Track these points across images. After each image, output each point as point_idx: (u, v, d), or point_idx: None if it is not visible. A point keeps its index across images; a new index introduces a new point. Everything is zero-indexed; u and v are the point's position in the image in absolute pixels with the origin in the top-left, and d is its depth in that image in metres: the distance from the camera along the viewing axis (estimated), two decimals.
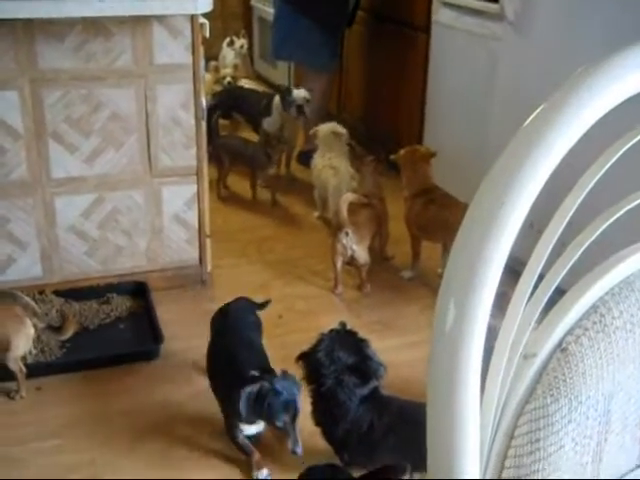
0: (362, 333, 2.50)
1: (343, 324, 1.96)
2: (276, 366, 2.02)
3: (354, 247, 2.74)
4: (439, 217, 2.78)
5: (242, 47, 5.22)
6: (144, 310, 2.63)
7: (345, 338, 1.90)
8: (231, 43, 5.25)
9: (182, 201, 2.73)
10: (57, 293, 2.62)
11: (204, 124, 2.66)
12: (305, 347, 1.89)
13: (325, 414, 1.86)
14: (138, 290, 2.71)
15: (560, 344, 0.61)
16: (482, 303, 0.55)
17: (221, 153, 3.67)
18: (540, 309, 0.62)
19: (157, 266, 2.78)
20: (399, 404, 1.84)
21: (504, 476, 0.58)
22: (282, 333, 2.56)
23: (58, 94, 2.45)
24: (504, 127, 2.94)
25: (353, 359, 1.83)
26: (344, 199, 2.72)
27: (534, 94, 2.59)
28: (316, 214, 3.52)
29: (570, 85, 0.66)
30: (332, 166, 3.30)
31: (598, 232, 0.66)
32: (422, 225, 2.89)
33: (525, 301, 0.60)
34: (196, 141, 2.65)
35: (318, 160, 3.40)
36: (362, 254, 2.79)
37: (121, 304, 2.67)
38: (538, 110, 0.66)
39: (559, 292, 0.71)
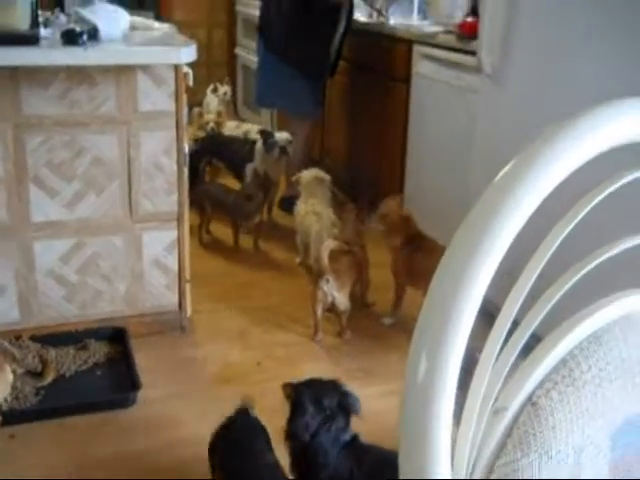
0: (342, 381, 2.51)
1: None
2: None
3: (335, 294, 2.74)
4: (426, 264, 2.79)
5: (225, 94, 5.28)
6: (122, 356, 2.60)
7: (319, 384, 1.90)
8: (215, 90, 5.32)
9: (162, 246, 2.72)
10: (34, 338, 2.59)
11: (186, 170, 2.68)
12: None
13: (307, 465, 1.83)
14: (116, 336, 2.68)
15: (530, 398, 0.61)
16: (453, 355, 0.55)
17: (203, 200, 3.67)
18: (510, 364, 0.62)
19: (136, 311, 2.76)
20: (379, 453, 1.82)
21: None
22: (261, 380, 2.54)
23: (40, 139, 2.46)
24: (483, 176, 2.99)
25: (334, 400, 1.82)
26: (325, 246, 2.73)
27: (511, 144, 2.64)
28: (297, 260, 3.52)
29: (539, 142, 0.68)
30: (315, 212, 3.32)
31: (566, 287, 0.67)
32: (409, 273, 2.91)
33: (495, 356, 0.61)
34: (177, 187, 2.66)
35: (301, 206, 3.43)
36: (343, 301, 2.79)
37: (99, 350, 2.64)
38: (508, 166, 0.68)
39: (535, 339, 0.72)
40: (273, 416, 1.88)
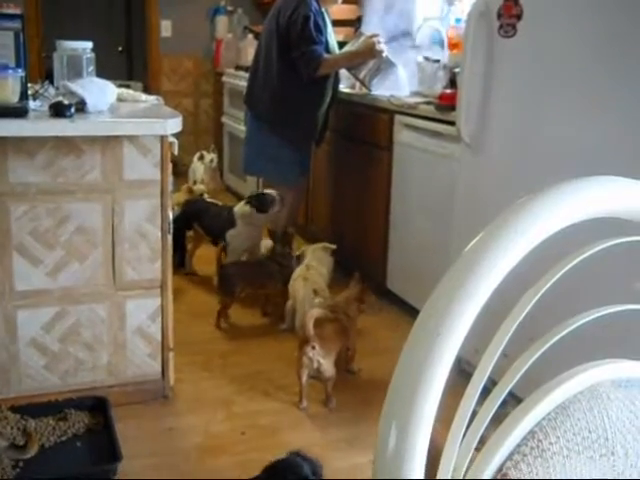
0: (327, 451, 2.49)
1: None
2: None
3: (320, 361, 2.73)
4: None
5: (212, 161, 5.37)
6: (103, 427, 2.55)
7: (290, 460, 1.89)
8: (201, 157, 5.40)
9: (146, 314, 2.72)
10: (13, 409, 2.54)
11: (170, 237, 2.70)
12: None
13: None
14: (97, 405, 2.64)
15: (500, 469, 0.62)
16: (422, 427, 0.56)
17: (235, 282, 3.52)
18: (479, 435, 0.63)
19: (118, 380, 2.73)
20: None
21: None
22: (244, 451, 2.51)
23: (25, 207, 2.48)
24: (465, 241, 3.03)
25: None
26: (310, 315, 2.73)
27: (491, 210, 2.69)
28: (283, 326, 3.51)
29: (506, 215, 0.71)
30: (304, 277, 3.33)
31: (531, 361, 0.69)
32: None
33: (465, 426, 0.61)
34: (161, 254, 2.67)
35: (296, 270, 3.44)
36: (328, 368, 2.77)
37: (79, 420, 2.59)
38: (475, 239, 0.70)
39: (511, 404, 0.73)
40: None
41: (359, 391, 2.99)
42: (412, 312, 3.54)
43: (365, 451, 2.55)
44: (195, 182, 5.13)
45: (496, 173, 2.80)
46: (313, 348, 2.70)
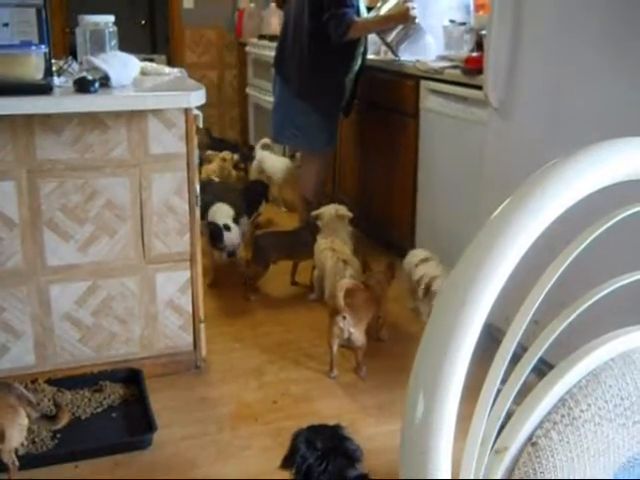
0: (359, 418, 2.51)
1: None
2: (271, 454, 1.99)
3: (351, 330, 2.74)
4: None
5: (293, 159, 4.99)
6: (137, 398, 2.60)
7: (321, 428, 1.90)
8: (267, 147, 5.06)
9: (176, 287, 2.74)
10: (49, 382, 2.60)
11: (198, 210, 2.71)
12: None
13: None
14: (132, 377, 2.69)
15: (530, 438, 0.61)
16: (450, 395, 0.56)
17: (269, 252, 3.54)
18: (510, 402, 0.62)
19: (151, 353, 2.77)
20: None
21: None
22: (276, 419, 2.53)
23: (54, 184, 2.50)
24: (494, 207, 2.99)
25: (331, 444, 1.82)
26: (341, 285, 2.74)
27: (520, 176, 2.65)
28: (312, 296, 3.52)
29: (535, 179, 0.69)
30: (332, 248, 3.32)
31: (561, 328, 0.68)
32: None
33: (494, 395, 0.61)
34: (189, 227, 2.68)
35: (321, 242, 3.43)
36: (359, 337, 2.78)
37: (114, 392, 2.64)
38: (505, 203, 0.69)
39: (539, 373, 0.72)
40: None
41: (389, 359, 2.99)
42: None
43: (396, 418, 2.56)
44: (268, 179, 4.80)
45: (525, 138, 2.75)
46: (344, 318, 2.71)
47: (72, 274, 2.60)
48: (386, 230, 3.89)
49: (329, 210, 3.52)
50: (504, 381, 0.65)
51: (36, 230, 2.52)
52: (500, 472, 0.59)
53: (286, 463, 1.82)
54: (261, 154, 5.00)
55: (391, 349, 3.08)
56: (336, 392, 2.75)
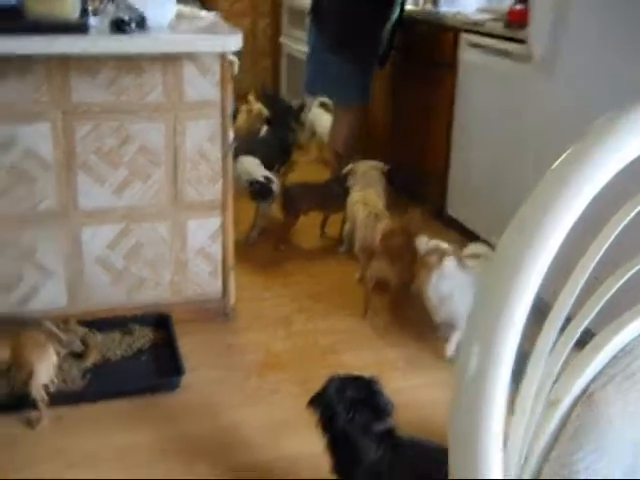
0: (385, 370, 2.51)
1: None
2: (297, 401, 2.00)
3: (386, 271, 2.78)
4: None
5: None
6: (166, 342, 2.63)
7: (354, 378, 1.89)
8: (324, 105, 4.78)
9: (207, 234, 2.74)
10: (80, 323, 2.63)
11: (230, 158, 2.69)
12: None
13: (343, 459, 1.82)
14: (161, 322, 2.72)
15: (585, 391, 0.59)
16: (507, 348, 0.54)
17: (301, 204, 3.52)
18: (566, 355, 0.61)
19: (180, 298, 2.79)
20: (420, 446, 1.81)
21: None
22: (303, 368, 2.55)
23: (89, 127, 2.49)
24: (532, 166, 2.94)
25: (362, 396, 1.81)
26: (379, 228, 2.80)
27: (563, 133, 2.60)
28: (342, 249, 3.52)
29: (596, 131, 0.66)
30: (365, 202, 3.30)
31: (620, 283, 0.65)
32: None
33: (550, 346, 0.59)
34: (222, 175, 2.67)
35: (354, 195, 3.40)
36: (393, 278, 2.83)
37: (143, 336, 2.67)
38: (565, 154, 0.66)
39: (589, 335, 0.70)
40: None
41: (419, 312, 2.97)
42: (472, 238, 3.49)
43: (424, 372, 2.57)
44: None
45: (570, 95, 2.67)
46: (380, 260, 2.73)
47: (105, 217, 2.62)
48: (417, 186, 3.85)
49: (362, 166, 3.48)
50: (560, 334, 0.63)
51: (70, 172, 2.53)
52: (553, 423, 0.58)
53: (313, 404, 1.83)
54: (314, 112, 4.85)
55: (420, 303, 3.06)
56: (363, 344, 2.76)
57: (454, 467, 0.54)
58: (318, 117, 4.77)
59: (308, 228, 3.69)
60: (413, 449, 1.79)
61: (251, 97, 4.84)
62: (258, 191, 3.49)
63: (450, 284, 2.57)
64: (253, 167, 3.58)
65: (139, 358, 2.59)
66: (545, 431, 0.58)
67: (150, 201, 2.63)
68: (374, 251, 2.72)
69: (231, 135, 2.67)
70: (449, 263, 2.57)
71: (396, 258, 2.82)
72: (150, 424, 2.27)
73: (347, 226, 3.46)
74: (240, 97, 5.32)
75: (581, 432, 0.57)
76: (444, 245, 2.66)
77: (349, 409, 1.78)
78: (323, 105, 4.79)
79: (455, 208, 3.71)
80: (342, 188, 3.50)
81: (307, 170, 4.46)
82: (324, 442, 1.83)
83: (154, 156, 2.58)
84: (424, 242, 2.65)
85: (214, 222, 2.73)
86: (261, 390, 2.44)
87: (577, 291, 0.66)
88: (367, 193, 3.34)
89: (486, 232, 3.33)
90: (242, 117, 4.60)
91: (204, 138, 2.61)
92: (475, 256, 2.80)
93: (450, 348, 2.65)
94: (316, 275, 3.30)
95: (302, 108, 4.57)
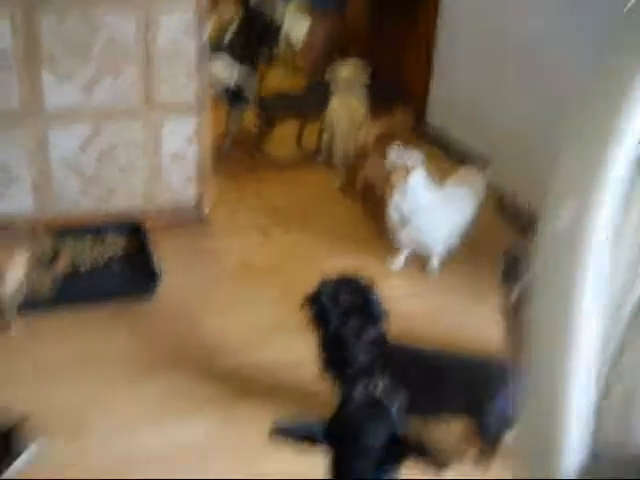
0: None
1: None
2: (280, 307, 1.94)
3: (377, 174, 2.70)
4: None
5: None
6: (140, 249, 2.53)
7: (348, 281, 1.82)
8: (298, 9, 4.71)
9: (182, 138, 2.61)
10: (49, 231, 2.50)
11: (207, 56, 2.53)
12: (307, 290, 1.81)
13: (334, 359, 1.77)
14: (134, 229, 2.60)
15: None
16: (605, 202, 0.46)
17: (277, 108, 3.38)
18: None
19: (154, 205, 2.67)
20: (410, 351, 1.77)
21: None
22: (283, 274, 2.48)
23: (55, 17, 2.30)
24: (517, 76, 2.85)
25: (356, 301, 1.75)
26: (371, 128, 2.74)
27: (549, 44, 2.49)
28: (320, 159, 3.40)
29: None
30: (347, 109, 3.16)
31: None
32: None
33: None
34: (198, 73, 2.51)
35: (334, 101, 3.26)
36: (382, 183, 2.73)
37: (116, 244, 2.56)
38: None
39: None
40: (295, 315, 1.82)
41: None
42: (451, 149, 3.43)
43: (406, 282, 2.52)
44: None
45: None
46: (373, 163, 2.65)
47: (73, 117, 2.46)
48: (397, 94, 3.71)
49: (345, 69, 3.31)
50: None
51: (34, 69, 2.35)
52: None
53: (307, 305, 1.76)
54: (289, 18, 4.63)
55: None
56: (342, 253, 2.67)
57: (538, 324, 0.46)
58: (293, 24, 4.57)
59: (284, 138, 3.56)
60: (404, 355, 1.75)
61: None
62: (232, 94, 3.31)
63: (414, 204, 2.44)
64: (227, 68, 3.40)
65: (111, 266, 2.48)
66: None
67: (122, 99, 2.47)
68: (367, 153, 2.62)
69: (207, 30, 2.50)
70: (414, 181, 2.43)
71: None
72: (125, 331, 2.19)
73: (326, 135, 3.33)
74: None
75: None
76: (414, 156, 2.54)
77: (343, 314, 1.72)
78: (297, 9, 4.61)
79: (436, 116, 3.61)
80: (320, 96, 3.35)
81: (283, 80, 4.29)
82: (316, 343, 1.77)
83: (125, 50, 2.41)
84: (395, 153, 2.52)
85: (190, 124, 2.59)
86: (240, 296, 2.37)
87: None
88: (348, 100, 3.21)
89: (473, 141, 3.26)
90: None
91: (179, 33, 2.44)
92: (461, 179, 2.74)
93: (398, 262, 2.58)
94: (293, 185, 3.19)
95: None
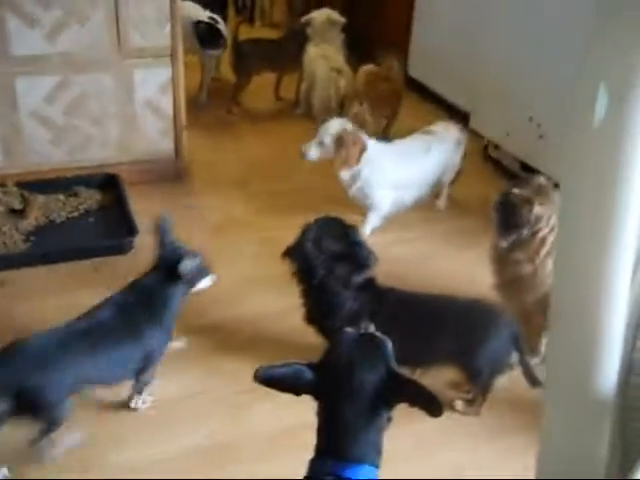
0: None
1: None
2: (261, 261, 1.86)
3: (367, 118, 2.67)
4: None
5: None
6: (115, 203, 2.44)
7: (332, 226, 1.75)
8: None
9: (155, 86, 2.50)
10: (20, 184, 2.41)
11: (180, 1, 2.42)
12: (289, 242, 1.74)
13: (320, 308, 1.71)
14: (108, 183, 2.51)
15: None
16: None
17: (250, 59, 3.23)
18: None
19: (129, 157, 2.58)
20: (400, 294, 1.71)
21: None
22: (263, 228, 2.41)
23: None
24: (498, 27, 2.77)
25: (342, 247, 1.69)
26: (363, 70, 2.71)
27: None
28: (298, 111, 3.31)
29: None
30: (325, 56, 3.06)
31: None
32: None
33: None
34: (170, 17, 2.40)
35: (311, 49, 3.15)
36: (372, 124, 2.74)
37: (90, 197, 2.48)
38: None
39: None
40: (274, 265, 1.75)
41: None
42: (432, 100, 3.36)
43: (391, 230, 2.46)
44: None
45: None
46: (361, 104, 2.61)
47: (40, 66, 2.34)
48: (376, 47, 3.61)
49: (320, 15, 3.21)
50: None
51: None
52: None
53: (289, 256, 1.70)
54: None
55: None
56: (325, 204, 2.59)
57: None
58: None
59: (262, 89, 3.45)
60: (393, 298, 1.69)
61: None
62: (205, 33, 3.18)
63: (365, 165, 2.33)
64: (197, 9, 3.28)
65: (86, 220, 2.40)
66: None
67: (90, 47, 2.36)
68: (357, 94, 2.62)
69: None
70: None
71: (379, 104, 2.71)
72: (102, 287, 2.09)
73: (304, 85, 3.23)
74: None
75: None
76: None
77: (328, 261, 1.66)
78: None
79: (417, 69, 3.52)
80: (297, 45, 3.25)
81: (260, 32, 4.16)
82: (300, 292, 1.71)
83: None
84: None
85: (163, 72, 2.48)
86: (219, 251, 2.29)
87: None
88: (326, 47, 3.11)
89: (450, 92, 3.19)
90: None
91: None
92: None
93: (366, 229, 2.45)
94: (271, 138, 3.10)
95: None
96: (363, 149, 2.27)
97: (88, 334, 1.53)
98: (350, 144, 2.26)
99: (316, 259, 1.67)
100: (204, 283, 1.70)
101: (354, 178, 2.34)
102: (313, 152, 2.33)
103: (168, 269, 1.61)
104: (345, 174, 2.33)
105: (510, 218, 1.74)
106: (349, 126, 2.31)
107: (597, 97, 0.42)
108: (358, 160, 2.27)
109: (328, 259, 1.67)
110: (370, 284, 1.70)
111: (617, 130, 0.41)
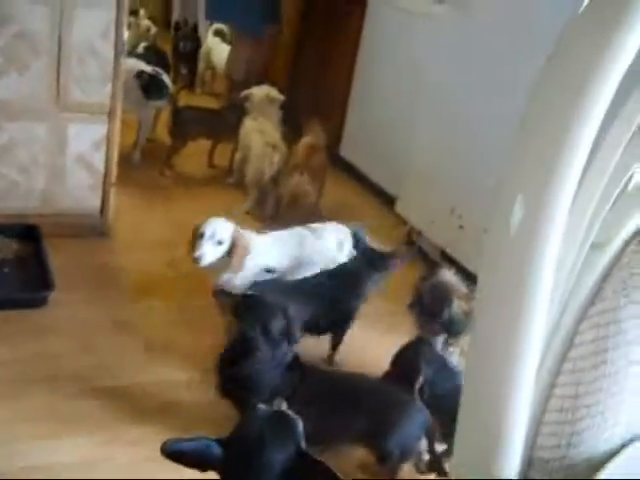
0: None
1: None
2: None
3: (307, 188, 2.86)
4: None
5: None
6: (33, 255, 2.37)
7: (260, 302, 1.76)
8: (221, 34, 4.57)
9: (89, 142, 2.48)
10: None
11: (123, 60, 2.43)
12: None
13: (241, 383, 1.69)
14: (28, 233, 2.44)
15: (637, 234, 0.49)
16: (560, 200, 0.43)
17: (187, 126, 3.27)
18: (618, 191, 0.50)
19: (53, 210, 2.52)
20: (320, 373, 1.72)
21: (557, 393, 0.46)
22: (183, 294, 2.39)
23: None
24: (434, 109, 2.89)
25: (280, 324, 1.69)
26: (304, 142, 2.86)
27: (477, 74, 2.55)
28: (230, 180, 3.34)
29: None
30: (260, 130, 3.12)
31: None
32: None
33: (604, 181, 0.48)
34: (113, 77, 2.41)
35: (248, 123, 3.21)
36: (314, 193, 2.93)
37: (7, 246, 2.39)
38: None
39: None
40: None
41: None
42: (362, 180, 3.46)
43: None
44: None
45: (485, 35, 2.59)
46: (301, 174, 2.76)
47: None
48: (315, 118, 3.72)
49: (260, 92, 3.29)
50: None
51: None
52: (597, 271, 0.47)
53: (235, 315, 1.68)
54: (210, 41, 4.60)
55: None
56: None
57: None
58: (214, 47, 4.53)
59: (196, 155, 3.47)
60: (316, 377, 1.70)
61: (142, 11, 4.54)
62: (149, 83, 3.20)
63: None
64: (140, 64, 3.32)
65: (1, 270, 2.31)
66: (587, 280, 0.47)
67: (27, 96, 2.33)
68: (297, 166, 2.78)
69: (125, 33, 2.41)
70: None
71: (317, 174, 2.85)
72: (11, 341, 2.02)
73: (238, 156, 3.28)
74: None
75: (631, 284, 0.47)
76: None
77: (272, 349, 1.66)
78: (219, 33, 4.56)
79: (349, 151, 3.64)
80: (235, 117, 3.31)
81: (200, 100, 4.22)
82: (218, 363, 1.69)
83: (35, 44, 2.27)
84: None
85: (99, 129, 2.47)
86: (134, 313, 2.25)
87: None
88: (263, 122, 3.17)
89: (383, 173, 3.31)
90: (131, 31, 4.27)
91: (96, 32, 2.34)
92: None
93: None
94: (201, 203, 3.10)
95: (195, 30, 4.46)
96: (248, 254, 2.10)
97: None
98: (240, 249, 2.06)
99: (251, 340, 1.66)
100: None
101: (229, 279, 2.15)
102: (209, 256, 2.05)
103: None
104: (226, 277, 2.14)
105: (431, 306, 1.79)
106: (236, 227, 2.13)
107: (513, 210, 0.45)
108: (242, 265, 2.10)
109: (259, 337, 1.66)
110: (296, 361, 1.70)
111: (530, 240, 0.44)
